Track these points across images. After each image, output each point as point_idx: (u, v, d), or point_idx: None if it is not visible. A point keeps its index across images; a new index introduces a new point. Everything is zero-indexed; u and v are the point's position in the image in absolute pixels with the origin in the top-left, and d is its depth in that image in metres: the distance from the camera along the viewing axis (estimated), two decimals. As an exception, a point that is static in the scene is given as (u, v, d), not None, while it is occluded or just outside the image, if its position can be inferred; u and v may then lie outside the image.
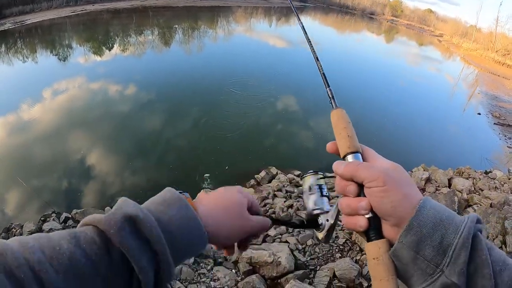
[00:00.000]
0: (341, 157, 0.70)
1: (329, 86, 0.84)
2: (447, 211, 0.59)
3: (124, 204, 0.59)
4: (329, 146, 0.74)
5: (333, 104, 0.79)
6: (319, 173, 0.84)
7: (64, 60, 17.25)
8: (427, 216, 0.58)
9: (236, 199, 0.74)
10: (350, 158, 0.69)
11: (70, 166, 7.90)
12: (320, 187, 0.82)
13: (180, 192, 0.68)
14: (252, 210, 0.78)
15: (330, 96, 0.81)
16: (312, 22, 43.92)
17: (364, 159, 0.68)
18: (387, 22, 63.02)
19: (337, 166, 0.67)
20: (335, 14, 58.64)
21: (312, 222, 0.80)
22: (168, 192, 0.67)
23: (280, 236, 5.34)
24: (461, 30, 52.34)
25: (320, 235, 0.79)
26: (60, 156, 8.20)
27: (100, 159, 8.21)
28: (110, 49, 19.58)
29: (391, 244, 0.61)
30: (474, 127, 13.11)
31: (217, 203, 0.73)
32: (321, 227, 0.78)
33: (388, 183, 0.60)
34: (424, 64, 25.04)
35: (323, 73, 0.88)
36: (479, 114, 14.13)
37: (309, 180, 0.83)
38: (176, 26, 26.79)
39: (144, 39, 22.12)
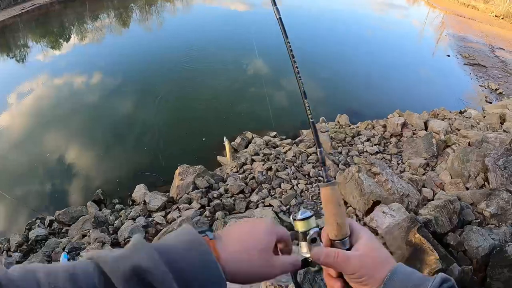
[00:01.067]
0: (329, 238, 0.73)
1: (314, 125, 0.77)
2: (413, 280, 0.64)
3: (137, 250, 0.54)
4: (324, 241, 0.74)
5: (324, 175, 0.75)
6: (310, 218, 0.79)
7: (23, 61, 16.50)
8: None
9: (261, 242, 0.68)
10: (338, 244, 0.72)
11: (47, 168, 7.75)
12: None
13: (202, 232, 0.63)
14: (281, 247, 0.74)
15: (320, 160, 0.77)
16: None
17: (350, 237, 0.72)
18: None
19: (317, 256, 0.71)
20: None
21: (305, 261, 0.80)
22: (187, 233, 0.60)
23: (263, 200, 5.25)
24: (423, -25, 52.10)
25: (313, 269, 0.79)
26: (35, 160, 8.02)
27: (75, 156, 8.04)
28: (67, 40, 18.90)
29: None
30: (445, 69, 13.10)
31: (241, 245, 0.66)
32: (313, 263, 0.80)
33: (366, 275, 0.66)
34: (389, 11, 24.76)
35: (304, 91, 0.76)
36: (448, 56, 14.10)
37: (302, 226, 0.79)
38: (132, 4, 25.77)
39: (101, 24, 21.41)
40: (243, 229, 0.70)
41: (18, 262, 4.76)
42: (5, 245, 5.38)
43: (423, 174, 5.79)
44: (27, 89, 11.83)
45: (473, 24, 20.39)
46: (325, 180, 0.74)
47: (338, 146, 6.65)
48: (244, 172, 6.03)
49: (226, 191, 5.66)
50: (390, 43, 16.16)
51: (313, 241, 0.78)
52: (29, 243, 5.29)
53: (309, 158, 6.02)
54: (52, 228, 5.70)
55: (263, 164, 5.94)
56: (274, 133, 7.55)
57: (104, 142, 8.38)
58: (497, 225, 4.20)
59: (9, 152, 8.44)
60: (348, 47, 14.38)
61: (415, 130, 7.23)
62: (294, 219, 0.79)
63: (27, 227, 5.77)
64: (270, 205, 5.09)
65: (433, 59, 14.35)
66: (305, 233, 0.78)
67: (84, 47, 17.23)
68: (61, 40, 19.04)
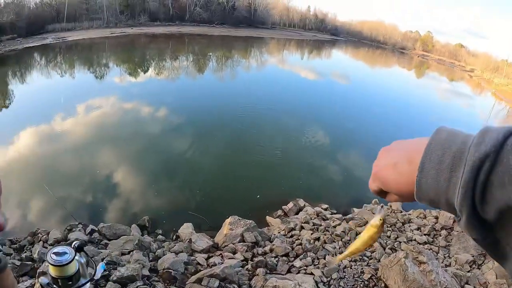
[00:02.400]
0: None
1: None
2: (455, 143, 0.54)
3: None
4: None
5: None
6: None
7: (100, 78, 18.07)
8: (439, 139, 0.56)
9: None
10: None
11: (96, 180, 8.12)
12: None
13: None
14: None
15: None
16: (343, 56, 44.31)
17: None
18: (417, 57, 62.70)
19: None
20: (366, 48, 58.91)
21: None
22: None
23: (305, 267, 5.42)
24: (492, 64, 51.19)
25: None
26: (87, 169, 8.44)
27: (126, 177, 8.37)
28: (145, 71, 20.40)
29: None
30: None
31: None
32: None
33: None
34: (455, 99, 24.71)
35: None
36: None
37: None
38: (211, 54, 27.47)
39: (178, 64, 22.91)
40: None
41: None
42: (44, 237, 5.56)
43: (468, 271, 5.74)
44: (97, 104, 12.74)
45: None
46: None
47: (388, 230, 6.76)
48: (291, 236, 6.27)
49: (271, 250, 5.83)
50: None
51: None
52: (67, 242, 5.25)
53: (357, 236, 6.16)
54: (92, 237, 5.79)
55: (311, 233, 6.18)
56: (325, 206, 7.77)
57: (158, 174, 8.64)
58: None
59: (65, 155, 8.92)
60: (409, 133, 14.48)
61: (466, 226, 7.18)
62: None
63: (68, 228, 5.92)
64: (312, 273, 5.23)
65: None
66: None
67: (158, 81, 18.36)
68: (139, 69, 20.65)
